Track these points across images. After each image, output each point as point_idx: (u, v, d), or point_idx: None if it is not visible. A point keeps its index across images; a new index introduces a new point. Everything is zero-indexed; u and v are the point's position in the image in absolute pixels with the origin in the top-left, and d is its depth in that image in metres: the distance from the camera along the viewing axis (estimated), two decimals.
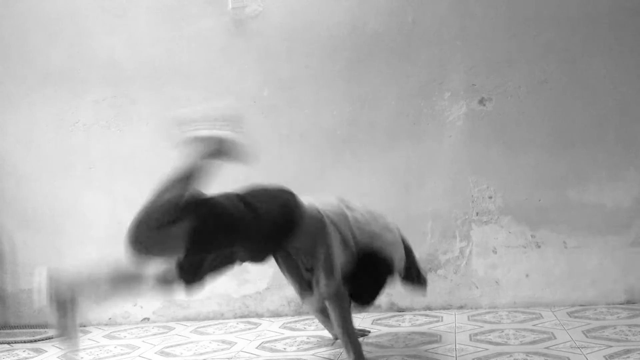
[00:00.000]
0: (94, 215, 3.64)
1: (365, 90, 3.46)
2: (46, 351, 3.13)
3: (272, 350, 2.86)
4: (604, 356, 2.42)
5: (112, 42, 3.62)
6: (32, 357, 3.03)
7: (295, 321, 3.38)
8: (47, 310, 2.36)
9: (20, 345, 3.27)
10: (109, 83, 3.62)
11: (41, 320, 3.64)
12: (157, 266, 2.43)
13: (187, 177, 2.29)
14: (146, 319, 3.61)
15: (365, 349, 2.74)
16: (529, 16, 3.34)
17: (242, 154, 2.34)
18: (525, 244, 3.37)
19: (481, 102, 3.38)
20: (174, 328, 3.43)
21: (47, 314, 2.37)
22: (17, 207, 3.67)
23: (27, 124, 3.67)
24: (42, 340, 3.32)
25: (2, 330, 3.56)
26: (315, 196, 2.62)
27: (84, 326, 3.61)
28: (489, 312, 3.29)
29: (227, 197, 2.39)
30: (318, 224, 2.50)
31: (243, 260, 2.56)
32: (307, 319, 3.39)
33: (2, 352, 3.16)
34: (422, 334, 2.96)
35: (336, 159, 3.47)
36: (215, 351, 2.91)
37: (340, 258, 2.52)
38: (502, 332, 2.89)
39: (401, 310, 3.44)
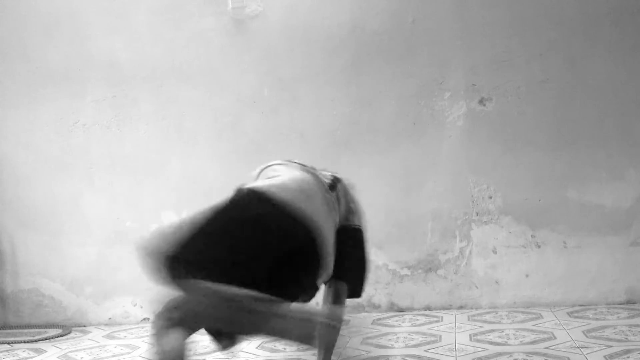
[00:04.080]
0: (94, 215, 3.64)
1: (365, 90, 3.46)
2: (46, 351, 3.13)
3: (272, 350, 2.86)
4: (604, 356, 2.42)
5: (112, 42, 3.62)
6: (32, 357, 3.03)
7: None
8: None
9: (20, 345, 3.27)
10: (109, 83, 3.62)
11: (41, 320, 3.66)
12: None
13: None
14: (146, 319, 3.61)
15: (365, 348, 2.74)
16: (529, 16, 3.34)
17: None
18: (525, 244, 3.37)
19: (481, 102, 3.38)
20: None
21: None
22: (17, 207, 3.67)
23: (27, 124, 3.67)
24: (42, 340, 3.32)
25: (2, 330, 3.56)
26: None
27: (84, 326, 3.62)
28: (489, 312, 3.29)
29: None
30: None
31: None
32: None
33: (2, 352, 3.16)
34: (422, 334, 2.96)
35: (336, 159, 3.47)
36: (215, 351, 2.91)
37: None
38: (502, 332, 2.89)
39: (401, 310, 3.44)
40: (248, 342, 3.01)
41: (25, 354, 3.09)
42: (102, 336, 3.37)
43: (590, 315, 3.09)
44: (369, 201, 3.47)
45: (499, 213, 3.38)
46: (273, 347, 2.90)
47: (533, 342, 2.68)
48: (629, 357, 2.40)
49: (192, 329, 2.06)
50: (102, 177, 3.64)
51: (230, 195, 2.14)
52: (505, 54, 3.36)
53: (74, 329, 3.56)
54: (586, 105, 3.31)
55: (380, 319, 3.31)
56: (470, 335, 2.88)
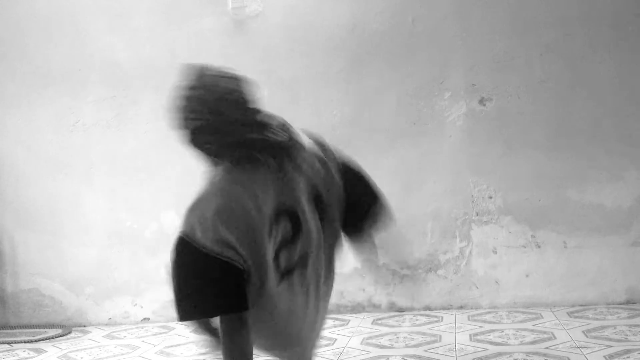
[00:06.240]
0: (93, 215, 3.64)
1: (365, 90, 3.46)
2: (46, 351, 3.13)
3: None
4: (604, 356, 2.42)
5: (112, 42, 3.62)
6: (32, 357, 3.03)
7: None
8: None
9: (20, 345, 3.27)
10: (109, 83, 3.62)
11: (41, 320, 3.66)
12: None
13: None
14: (146, 319, 3.61)
15: (365, 348, 2.74)
16: (529, 16, 3.34)
17: None
18: (525, 244, 3.37)
19: (481, 102, 3.39)
20: (174, 328, 3.43)
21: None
22: (17, 207, 3.67)
23: (27, 124, 3.67)
24: (42, 340, 3.32)
25: (2, 330, 3.56)
26: None
27: (84, 326, 3.62)
28: (489, 312, 3.29)
29: None
30: None
31: None
32: None
33: (2, 352, 3.16)
34: (422, 334, 2.96)
35: None
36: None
37: None
38: (502, 332, 2.89)
39: (401, 310, 3.44)
40: None
41: (25, 354, 3.09)
42: (102, 336, 3.37)
43: (590, 315, 3.09)
44: None
45: (499, 213, 3.38)
46: None
47: (533, 342, 2.68)
48: (629, 357, 2.40)
49: None
50: (102, 177, 3.64)
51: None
52: (505, 54, 3.36)
53: (74, 329, 3.56)
54: (586, 105, 3.31)
55: (380, 319, 3.31)
56: (470, 335, 2.88)
